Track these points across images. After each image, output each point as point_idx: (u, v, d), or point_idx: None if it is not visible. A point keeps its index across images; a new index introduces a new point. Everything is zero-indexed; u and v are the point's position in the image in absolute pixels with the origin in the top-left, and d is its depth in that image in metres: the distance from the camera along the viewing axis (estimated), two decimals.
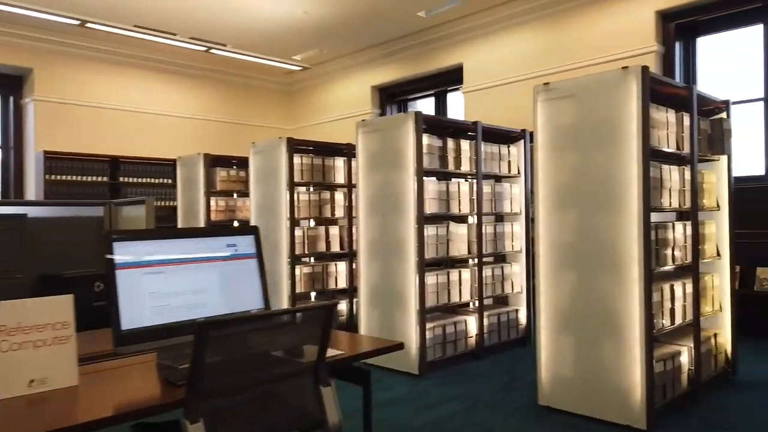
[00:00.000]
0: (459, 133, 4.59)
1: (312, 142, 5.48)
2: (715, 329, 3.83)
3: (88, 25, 6.60)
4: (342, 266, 5.54)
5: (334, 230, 5.47)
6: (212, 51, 7.65)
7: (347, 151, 5.48)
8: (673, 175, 3.33)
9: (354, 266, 5.30)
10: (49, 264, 4.17)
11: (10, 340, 1.56)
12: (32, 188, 7.22)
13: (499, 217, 4.96)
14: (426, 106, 8.26)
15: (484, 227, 4.59)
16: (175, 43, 7.31)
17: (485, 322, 4.57)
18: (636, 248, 2.94)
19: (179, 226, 6.43)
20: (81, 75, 7.49)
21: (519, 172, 4.90)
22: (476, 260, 4.50)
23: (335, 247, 5.47)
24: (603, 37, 5.71)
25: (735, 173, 5.38)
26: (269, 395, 1.68)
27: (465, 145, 4.50)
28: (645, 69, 2.94)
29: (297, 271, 5.15)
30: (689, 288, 3.42)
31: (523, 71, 6.30)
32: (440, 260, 4.45)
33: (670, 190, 3.30)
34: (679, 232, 3.37)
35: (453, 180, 4.51)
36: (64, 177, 7.05)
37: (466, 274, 4.48)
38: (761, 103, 5.17)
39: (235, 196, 6.38)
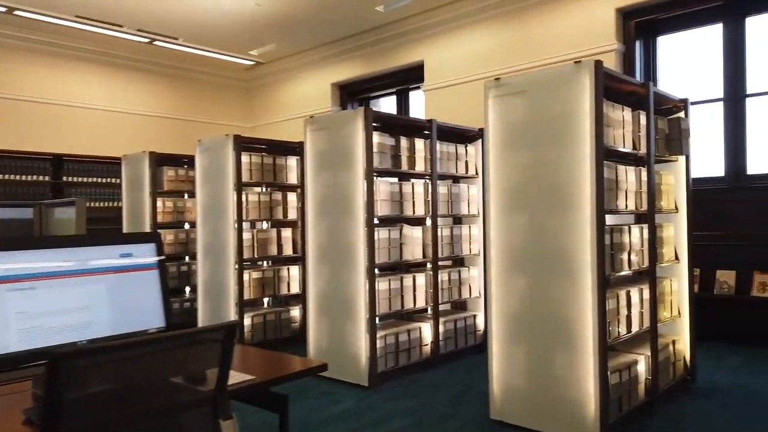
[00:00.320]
0: (414, 132, 4.39)
1: (262, 140, 5.22)
2: (674, 335, 3.72)
3: (17, 13, 6.18)
4: (295, 271, 5.29)
5: (286, 233, 5.22)
6: (158, 44, 7.27)
7: (300, 149, 5.20)
8: (629, 176, 3.19)
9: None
10: None
11: None
12: None
13: (457, 220, 4.78)
14: (388, 104, 8.06)
15: (440, 230, 4.40)
16: (118, 34, 6.92)
17: (441, 328, 4.38)
18: (589, 253, 2.77)
19: (124, 228, 6.08)
20: (17, 67, 7.04)
21: (477, 173, 4.73)
22: (432, 264, 4.31)
23: (288, 251, 5.21)
24: (564, 34, 5.59)
25: (694, 174, 5.34)
26: None
27: (420, 144, 4.31)
28: (598, 64, 2.78)
29: (246, 277, 4.88)
30: (647, 294, 3.29)
31: (484, 69, 6.15)
32: (394, 265, 4.24)
33: (626, 191, 3.16)
34: (636, 235, 3.22)
35: (407, 181, 4.30)
36: (0, 176, 6.61)
37: (421, 279, 4.28)
38: (721, 104, 5.11)
39: (185, 196, 6.06)
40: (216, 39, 7.30)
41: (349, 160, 3.87)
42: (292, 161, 5.28)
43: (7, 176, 6.64)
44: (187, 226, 5.99)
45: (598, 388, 2.75)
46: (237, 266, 4.76)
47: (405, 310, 4.20)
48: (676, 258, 3.71)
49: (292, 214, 5.27)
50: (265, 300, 5.42)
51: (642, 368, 3.24)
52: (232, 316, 4.79)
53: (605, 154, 3.15)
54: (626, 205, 3.17)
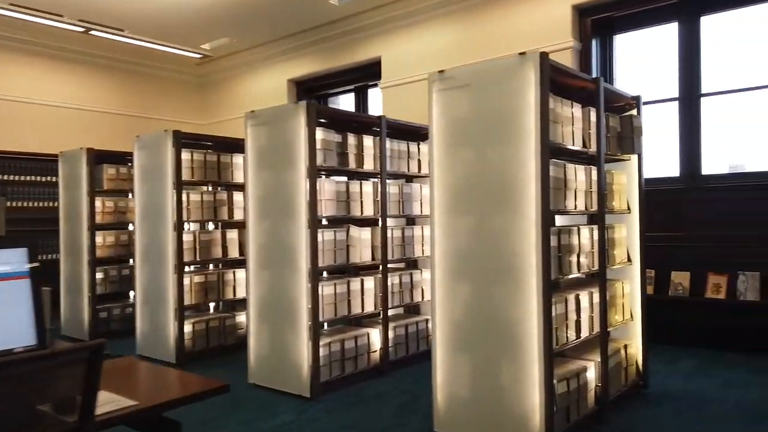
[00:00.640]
0: (363, 129, 4.19)
1: (205, 137, 4.94)
2: (626, 340, 3.61)
3: None
4: (241, 274, 5.01)
5: (232, 234, 4.95)
6: (103, 35, 6.88)
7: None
8: (579, 175, 3.06)
9: None
10: None
11: None
12: None
13: (410, 220, 4.61)
14: (347, 102, 7.85)
15: (390, 231, 4.21)
16: (55, 23, 6.51)
17: (391, 334, 4.19)
18: (534, 255, 2.62)
19: (61, 230, 5.71)
20: None
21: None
22: (382, 267, 4.12)
23: (234, 253, 4.95)
24: (520, 31, 5.48)
25: (651, 174, 5.31)
26: None
27: (369, 141, 4.11)
28: (544, 56, 2.63)
29: (186, 281, 4.60)
30: (597, 297, 3.16)
31: (441, 66, 5.93)
32: (341, 267, 4.03)
33: (575, 191, 3.02)
34: (585, 236, 3.09)
35: (355, 180, 4.11)
36: None
37: (369, 282, 4.08)
38: (676, 103, 5.07)
39: (130, 196, 5.73)
40: (165, 31, 6.97)
41: (292, 158, 3.64)
42: (239, 159, 5.01)
43: None
44: (131, 227, 5.66)
45: (543, 398, 2.60)
46: (176, 270, 4.48)
47: (352, 316, 3.99)
48: (629, 260, 3.61)
49: (239, 215, 5.00)
50: (212, 305, 5.16)
51: (592, 375, 3.11)
52: (171, 323, 4.51)
53: (553, 152, 3.01)
54: (575, 205, 3.03)
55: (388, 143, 4.24)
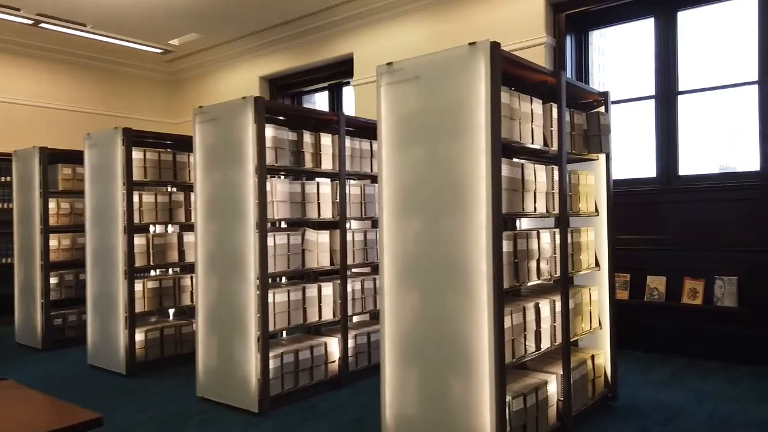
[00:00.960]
0: (321, 127, 3.98)
1: (160, 135, 4.70)
2: (594, 349, 3.42)
3: None
4: None
5: (189, 237, 4.71)
6: (43, 26, 6.56)
7: None
8: (539, 176, 2.86)
9: None
10: None
11: None
12: None
13: (374, 223, 4.40)
14: (322, 100, 7.64)
15: (351, 234, 4.00)
16: (5, 17, 6.24)
17: (351, 343, 3.98)
18: (485, 262, 2.41)
19: (15, 233, 5.46)
20: None
21: None
22: (347, 272, 3.91)
23: (190, 257, 4.70)
24: (493, 26, 5.29)
25: (627, 175, 5.14)
26: None
27: (327, 139, 3.90)
28: (495, 46, 2.43)
29: (138, 287, 4.36)
30: (569, 305, 2.96)
31: None
32: (301, 273, 3.82)
33: (535, 192, 2.82)
34: (546, 241, 2.89)
35: (312, 180, 3.89)
36: None
37: (328, 288, 3.86)
38: (652, 101, 4.90)
39: None
40: (129, 26, 6.72)
41: (239, 157, 3.42)
42: None
43: None
44: None
45: (495, 416, 2.40)
46: (126, 275, 4.24)
47: (308, 324, 3.78)
48: (597, 265, 3.42)
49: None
50: (171, 312, 4.93)
51: (553, 389, 2.91)
52: (121, 331, 4.27)
53: (510, 151, 2.83)
54: (535, 207, 2.83)
55: (349, 142, 4.03)
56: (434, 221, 2.57)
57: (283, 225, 4.09)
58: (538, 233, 2.84)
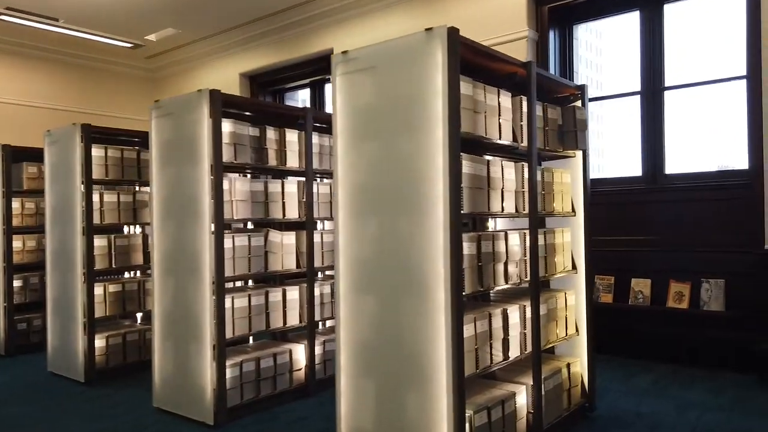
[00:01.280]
0: (287, 122, 3.79)
1: (123, 131, 4.50)
2: (570, 357, 3.24)
3: None
4: None
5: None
6: (5, 19, 6.32)
7: None
8: (507, 173, 2.68)
9: None
10: None
11: None
12: None
13: None
14: (305, 97, 7.46)
15: (320, 236, 3.81)
16: None
17: (318, 350, 3.79)
18: (442, 265, 2.23)
19: None
20: None
21: None
22: (314, 275, 3.72)
23: None
24: (475, 19, 5.10)
25: (613, 174, 4.97)
26: None
27: (293, 136, 3.71)
28: (453, 31, 2.25)
29: (99, 290, 4.17)
30: (539, 310, 2.78)
31: None
32: (266, 276, 3.63)
33: (502, 191, 2.64)
34: (515, 242, 2.71)
35: (276, 179, 3.71)
36: None
37: (294, 292, 3.68)
38: (638, 97, 4.72)
39: None
40: (105, 21, 6.51)
41: (195, 153, 3.23)
42: None
43: None
44: None
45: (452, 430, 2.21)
46: (85, 278, 4.05)
47: (272, 330, 3.59)
48: (573, 267, 3.24)
49: None
50: (139, 316, 4.73)
51: (523, 401, 2.73)
52: (80, 337, 4.08)
53: (476, 146, 2.65)
54: (503, 207, 2.65)
55: (317, 138, 3.84)
56: (391, 222, 2.38)
57: (249, 225, 3.90)
58: (506, 234, 2.66)
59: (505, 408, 2.57)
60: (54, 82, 7.44)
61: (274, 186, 3.59)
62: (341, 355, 2.55)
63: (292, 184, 3.69)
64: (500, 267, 2.61)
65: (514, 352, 2.69)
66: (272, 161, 3.60)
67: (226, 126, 3.29)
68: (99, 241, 4.17)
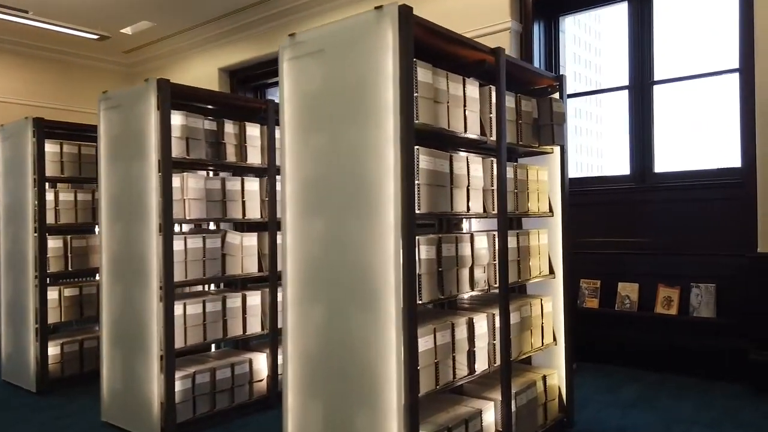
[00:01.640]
0: (248, 116, 3.56)
1: (77, 125, 4.25)
2: (547, 369, 3.01)
3: None
4: None
5: None
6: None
7: None
8: (474, 169, 2.45)
9: None
10: None
11: None
12: None
13: None
14: None
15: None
16: None
17: (281, 359, 3.53)
18: (393, 272, 2.00)
19: None
20: None
21: None
22: (278, 279, 3.49)
23: None
24: (457, 10, 4.87)
25: (598, 172, 4.75)
26: None
27: (254, 130, 3.48)
28: (405, 9, 2.02)
29: (53, 295, 3.93)
30: (509, 319, 2.54)
31: None
32: (227, 280, 3.40)
33: (468, 189, 2.41)
34: (482, 245, 2.48)
35: (236, 176, 3.48)
36: None
37: (255, 297, 3.44)
38: (626, 92, 4.49)
39: None
40: (78, 13, 6.27)
41: (143, 148, 3.00)
42: None
43: None
44: None
45: None
46: (37, 282, 3.81)
47: (231, 338, 3.36)
48: (551, 272, 3.01)
49: None
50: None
51: (491, 418, 2.50)
52: (32, 343, 3.84)
53: (438, 139, 2.42)
54: (468, 206, 2.42)
55: (277, 132, 3.60)
56: (340, 223, 2.15)
57: (212, 226, 3.67)
58: (472, 237, 2.42)
59: (470, 427, 2.34)
60: (27, 77, 7.21)
61: (233, 184, 3.36)
62: (288, 370, 2.32)
63: (253, 182, 3.45)
64: (465, 272, 2.38)
65: (482, 366, 2.46)
66: (231, 157, 3.37)
67: (177, 119, 3.06)
68: (54, 242, 3.94)
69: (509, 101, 2.66)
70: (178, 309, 3.02)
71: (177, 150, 3.05)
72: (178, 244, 3.02)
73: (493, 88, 2.53)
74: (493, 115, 2.53)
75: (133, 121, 3.04)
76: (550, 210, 3.02)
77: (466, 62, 2.54)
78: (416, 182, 2.09)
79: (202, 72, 7.11)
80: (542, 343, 2.92)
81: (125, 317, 3.10)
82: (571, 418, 3.03)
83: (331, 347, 2.18)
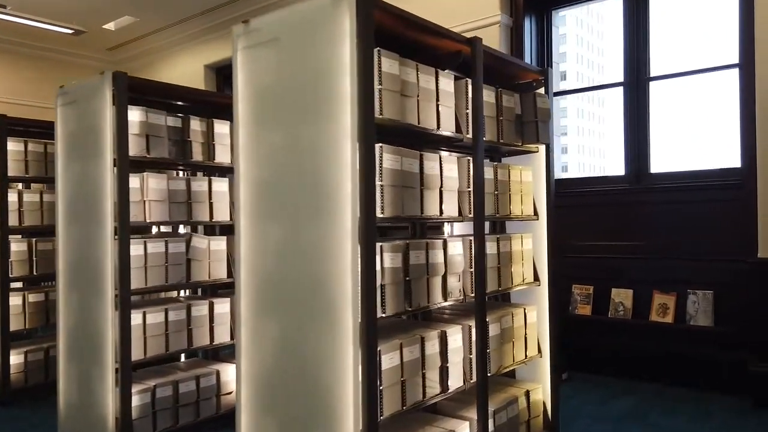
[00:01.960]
0: (217, 112, 3.37)
1: (41, 122, 4.05)
2: (531, 383, 2.81)
3: None
4: None
5: None
6: None
7: None
8: (448, 169, 2.25)
9: None
10: None
11: None
12: None
13: None
14: None
15: None
16: None
17: None
18: (350, 283, 1.80)
19: None
20: None
21: None
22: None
23: None
24: (444, 4, 4.67)
25: (592, 172, 4.55)
26: None
27: (222, 127, 3.29)
28: None
29: (16, 301, 3.75)
30: (487, 331, 2.35)
31: None
32: (196, 286, 3.21)
33: (441, 190, 2.21)
34: (457, 251, 2.28)
35: (203, 176, 3.28)
36: None
37: (224, 305, 3.25)
38: (620, 89, 4.29)
39: None
40: (60, 8, 6.08)
41: (99, 146, 2.80)
42: None
43: None
44: None
45: None
46: None
47: (197, 348, 3.16)
48: (536, 279, 2.81)
49: None
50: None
51: None
52: None
53: (413, 138, 2.23)
54: (441, 209, 2.22)
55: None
56: (296, 228, 1.95)
57: (182, 230, 3.48)
58: (445, 243, 2.23)
59: None
60: (10, 74, 7.02)
61: (200, 184, 3.16)
62: (242, 389, 2.12)
63: (221, 182, 3.26)
64: (437, 281, 2.19)
65: (456, 382, 2.26)
66: (198, 156, 3.18)
67: (135, 114, 2.86)
68: (17, 246, 3.75)
69: (488, 96, 2.46)
70: (136, 318, 2.82)
71: (136, 148, 2.86)
72: (137, 249, 2.83)
73: (470, 82, 2.34)
74: (470, 111, 2.34)
75: (88, 117, 2.84)
76: (535, 213, 2.83)
77: (441, 54, 2.35)
78: (379, 183, 1.90)
79: (188, 69, 6.92)
80: (526, 355, 2.72)
81: (81, 327, 2.90)
82: None
83: (286, 364, 1.98)
